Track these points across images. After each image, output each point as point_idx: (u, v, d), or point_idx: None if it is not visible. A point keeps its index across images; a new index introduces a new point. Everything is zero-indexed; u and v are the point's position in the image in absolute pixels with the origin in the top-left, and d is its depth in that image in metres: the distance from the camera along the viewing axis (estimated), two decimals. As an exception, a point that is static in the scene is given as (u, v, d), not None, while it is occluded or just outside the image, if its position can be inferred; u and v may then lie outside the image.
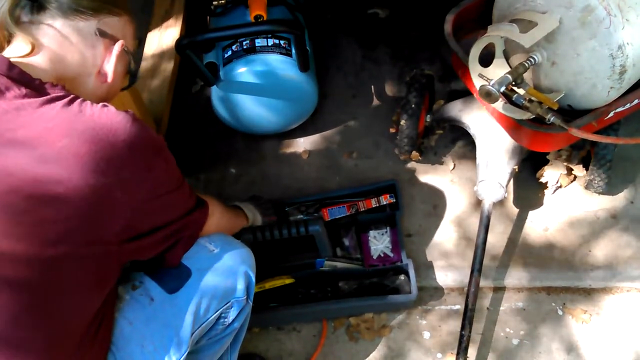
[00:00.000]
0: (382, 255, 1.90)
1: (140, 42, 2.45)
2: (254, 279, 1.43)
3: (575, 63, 1.52)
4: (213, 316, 1.35)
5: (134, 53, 1.29)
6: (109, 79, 1.22)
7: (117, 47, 1.21)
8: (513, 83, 1.52)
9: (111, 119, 1.07)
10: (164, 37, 2.23)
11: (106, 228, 1.09)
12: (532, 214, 2.00)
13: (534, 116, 1.55)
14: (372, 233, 1.94)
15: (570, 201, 2.00)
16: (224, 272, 1.36)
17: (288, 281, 1.85)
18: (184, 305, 1.30)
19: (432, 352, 1.83)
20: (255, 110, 2.06)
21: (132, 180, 1.09)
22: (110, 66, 1.21)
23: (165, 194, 1.18)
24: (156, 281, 1.32)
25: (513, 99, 1.54)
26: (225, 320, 1.40)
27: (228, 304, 1.38)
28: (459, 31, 1.79)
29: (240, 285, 1.38)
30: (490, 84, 1.50)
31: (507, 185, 1.81)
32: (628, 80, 1.54)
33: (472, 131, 1.90)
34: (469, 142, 2.02)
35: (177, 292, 1.31)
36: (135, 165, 1.09)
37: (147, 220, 1.18)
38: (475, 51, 1.60)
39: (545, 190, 2.02)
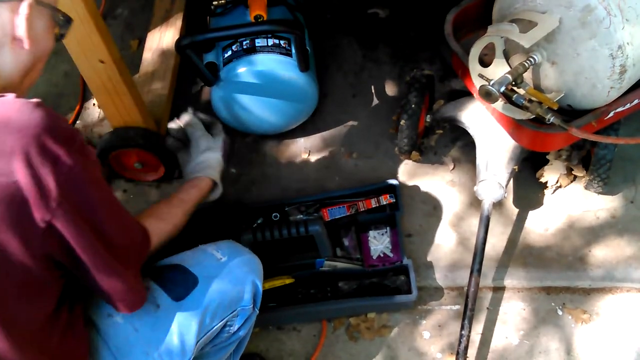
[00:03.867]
0: (382, 255, 1.90)
1: (140, 42, 2.45)
2: (261, 288, 1.41)
3: (575, 63, 1.52)
4: (219, 325, 1.35)
5: (53, 2, 1.13)
6: (26, 44, 1.06)
7: (23, 7, 1.04)
8: (513, 83, 1.52)
9: (9, 107, 0.97)
10: (164, 37, 2.23)
11: (24, 228, 1.00)
12: (532, 214, 2.00)
13: (533, 116, 1.55)
14: (372, 233, 1.94)
15: (570, 201, 2.00)
16: (231, 280, 1.35)
17: (288, 281, 1.85)
18: (190, 313, 1.29)
19: (432, 352, 1.83)
20: (255, 110, 2.06)
21: (41, 171, 0.97)
22: (22, 29, 1.04)
23: (89, 194, 1.05)
24: (162, 288, 1.30)
25: (513, 99, 1.54)
26: (231, 328, 1.40)
27: (234, 313, 1.37)
28: (459, 31, 1.79)
29: (247, 295, 1.37)
30: (490, 84, 1.51)
31: (506, 186, 1.81)
32: (628, 80, 1.54)
33: (471, 131, 1.90)
34: (469, 142, 2.02)
35: (184, 300, 1.29)
36: (41, 155, 0.97)
37: (71, 224, 1.03)
38: (475, 51, 1.60)
39: (545, 190, 2.02)
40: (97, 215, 1.07)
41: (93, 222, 1.06)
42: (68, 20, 1.16)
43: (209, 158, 1.58)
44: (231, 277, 1.34)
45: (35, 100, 1.00)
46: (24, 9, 1.04)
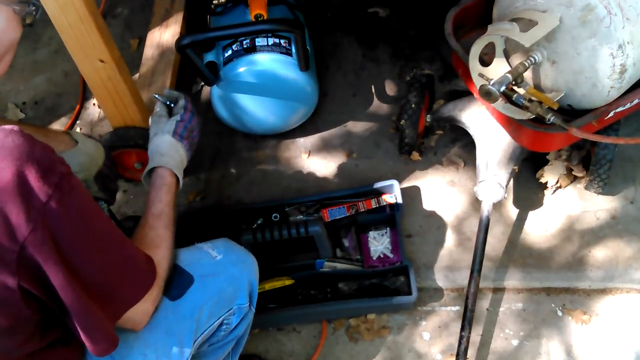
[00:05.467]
0: (382, 256, 1.89)
1: (140, 41, 2.45)
2: (257, 286, 1.41)
3: (575, 62, 1.52)
4: (215, 323, 1.34)
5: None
6: None
7: None
8: (513, 82, 1.51)
9: None
10: (164, 36, 2.23)
11: None
12: (531, 215, 1.99)
13: (534, 116, 1.55)
14: (372, 234, 1.93)
15: (570, 201, 2.00)
16: (226, 279, 1.34)
17: (288, 282, 1.85)
18: (187, 312, 1.28)
19: (432, 353, 1.82)
20: (255, 110, 2.06)
21: (9, 206, 0.92)
22: None
23: (65, 230, 0.99)
24: None
25: (513, 98, 1.53)
26: (228, 327, 1.39)
27: (230, 311, 1.36)
28: (459, 30, 1.78)
29: (243, 293, 1.37)
30: (490, 83, 1.50)
31: (506, 186, 1.80)
32: (628, 80, 1.54)
33: (472, 131, 1.90)
34: (469, 142, 2.02)
35: (180, 299, 1.28)
36: (13, 186, 0.92)
37: (43, 258, 0.96)
38: (475, 50, 1.60)
39: (545, 191, 2.02)
40: (73, 252, 1.01)
41: (68, 258, 1.00)
42: (37, 6, 1.09)
43: (157, 144, 1.43)
44: (227, 275, 1.34)
45: (10, 126, 0.94)
46: None
